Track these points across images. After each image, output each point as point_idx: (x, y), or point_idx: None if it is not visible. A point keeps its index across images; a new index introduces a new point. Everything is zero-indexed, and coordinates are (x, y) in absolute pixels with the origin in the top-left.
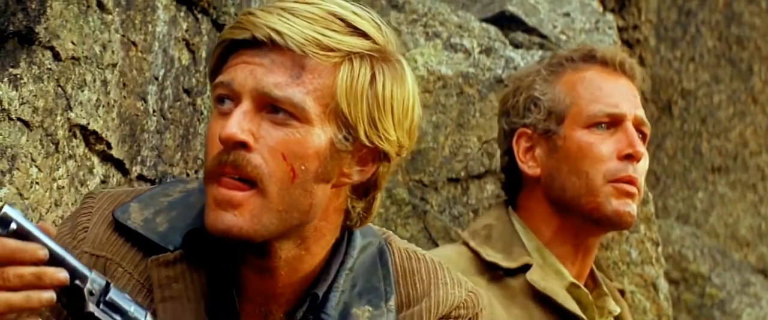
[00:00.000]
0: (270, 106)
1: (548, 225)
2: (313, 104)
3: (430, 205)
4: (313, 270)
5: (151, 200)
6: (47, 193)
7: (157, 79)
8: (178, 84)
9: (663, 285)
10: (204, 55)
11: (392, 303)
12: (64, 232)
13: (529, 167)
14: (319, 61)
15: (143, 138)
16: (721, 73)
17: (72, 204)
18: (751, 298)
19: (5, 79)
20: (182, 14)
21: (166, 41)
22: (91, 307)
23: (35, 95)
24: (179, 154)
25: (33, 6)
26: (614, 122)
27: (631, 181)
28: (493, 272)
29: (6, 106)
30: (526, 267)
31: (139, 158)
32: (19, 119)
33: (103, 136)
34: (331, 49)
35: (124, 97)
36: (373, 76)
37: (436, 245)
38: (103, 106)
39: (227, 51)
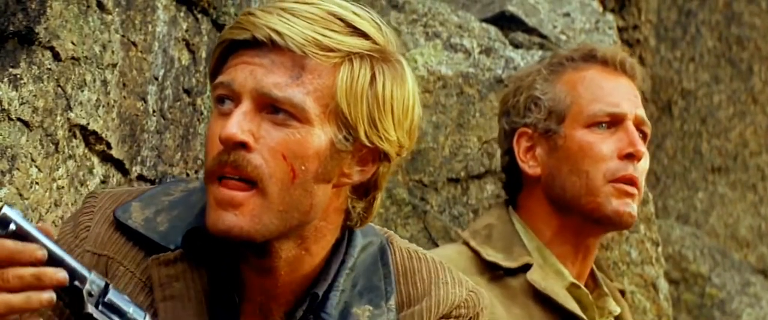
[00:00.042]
0: (270, 107)
1: (548, 225)
2: (313, 104)
3: (430, 205)
4: (313, 269)
5: (152, 199)
6: (47, 193)
7: (157, 79)
8: (178, 84)
9: (663, 285)
10: (204, 55)
11: (393, 302)
12: (66, 232)
13: (530, 167)
14: (319, 62)
15: (143, 138)
16: (721, 73)
17: (72, 204)
18: (751, 298)
19: (5, 79)
20: (182, 14)
21: (166, 41)
22: (90, 308)
23: (35, 95)
24: (179, 154)
25: (33, 6)
26: (615, 121)
27: (631, 180)
28: (493, 272)
29: (6, 106)
30: (527, 267)
31: (139, 158)
32: (19, 119)
33: (103, 136)
34: (331, 50)
35: (124, 97)
36: (373, 77)
37: (436, 245)
38: (103, 106)
39: (227, 51)
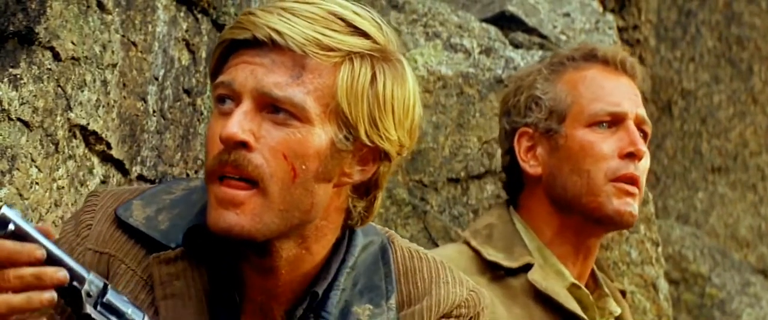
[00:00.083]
0: (270, 106)
1: (549, 224)
2: (313, 104)
3: (430, 205)
4: (314, 269)
5: (154, 198)
6: (47, 194)
7: (157, 79)
8: (178, 84)
9: (663, 285)
10: (204, 55)
11: (393, 301)
12: (68, 230)
13: (531, 166)
14: (320, 61)
15: (143, 138)
16: (721, 73)
17: (72, 204)
18: (751, 298)
19: (5, 79)
20: (182, 14)
21: (166, 41)
22: (88, 309)
23: (35, 95)
24: (179, 154)
25: (33, 6)
26: (616, 121)
27: (632, 179)
28: (494, 271)
29: (6, 106)
30: (528, 267)
31: (139, 158)
32: (19, 119)
33: (103, 136)
34: (332, 49)
35: (124, 97)
36: (373, 76)
37: (436, 245)
38: (103, 106)
39: (228, 51)
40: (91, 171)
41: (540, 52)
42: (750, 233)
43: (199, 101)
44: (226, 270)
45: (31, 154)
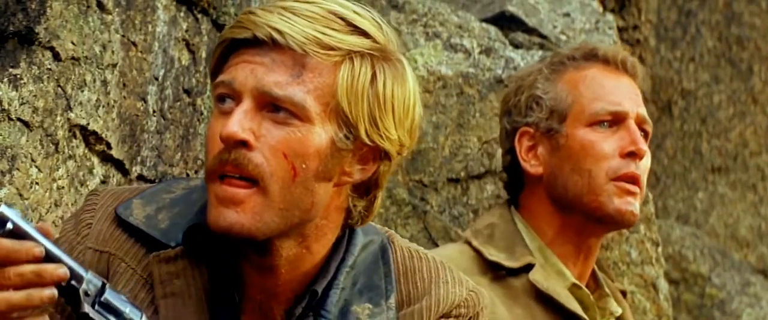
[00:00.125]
0: (271, 105)
1: (550, 224)
2: (313, 103)
3: (430, 205)
4: (313, 268)
5: (154, 197)
6: (47, 194)
7: (157, 79)
8: (178, 84)
9: (663, 285)
10: (204, 55)
11: (392, 300)
12: (68, 229)
13: (532, 166)
14: (320, 60)
15: (143, 138)
16: (721, 73)
17: (72, 204)
18: (751, 298)
19: (5, 79)
20: (182, 14)
21: (166, 41)
22: (86, 308)
23: (35, 95)
24: (179, 154)
25: (33, 6)
26: (616, 120)
27: (634, 178)
28: (495, 272)
29: (6, 106)
30: (529, 267)
31: (139, 158)
32: (19, 119)
33: (103, 136)
34: (332, 48)
35: (124, 97)
36: (373, 75)
37: (436, 245)
38: (103, 106)
39: (228, 50)
40: (91, 172)
41: (540, 52)
42: (750, 233)
43: (199, 101)
44: (226, 269)
45: (31, 154)
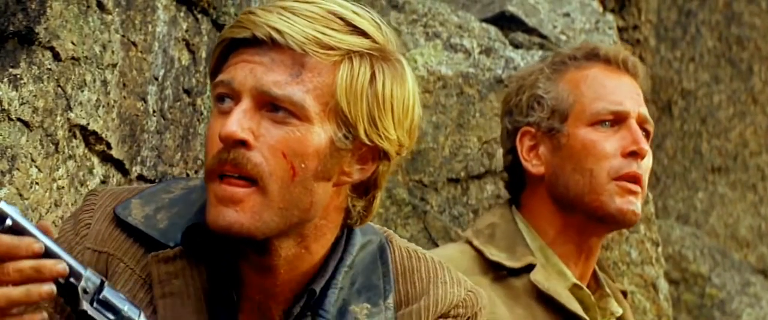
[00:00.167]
0: (270, 105)
1: (551, 224)
2: (312, 102)
3: (430, 205)
4: (312, 268)
5: (153, 197)
6: (47, 193)
7: (157, 79)
8: (178, 84)
9: (663, 285)
10: (204, 55)
11: (391, 300)
12: (67, 229)
13: (533, 165)
14: (319, 60)
15: (143, 138)
16: (721, 73)
17: (72, 204)
18: (751, 298)
19: (5, 79)
20: (182, 14)
21: (166, 41)
22: (85, 305)
23: (35, 95)
24: (179, 154)
25: (33, 6)
26: (618, 120)
27: (635, 178)
28: (496, 271)
29: (6, 106)
30: (530, 267)
31: (139, 158)
32: (19, 119)
33: (103, 136)
34: (331, 48)
35: (124, 97)
36: (372, 75)
37: (436, 245)
38: (103, 106)
39: (227, 50)
40: (91, 172)
41: (540, 52)
42: (750, 233)
43: (199, 101)
44: (225, 269)
45: (31, 154)
